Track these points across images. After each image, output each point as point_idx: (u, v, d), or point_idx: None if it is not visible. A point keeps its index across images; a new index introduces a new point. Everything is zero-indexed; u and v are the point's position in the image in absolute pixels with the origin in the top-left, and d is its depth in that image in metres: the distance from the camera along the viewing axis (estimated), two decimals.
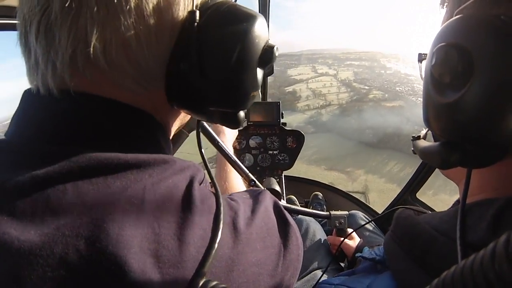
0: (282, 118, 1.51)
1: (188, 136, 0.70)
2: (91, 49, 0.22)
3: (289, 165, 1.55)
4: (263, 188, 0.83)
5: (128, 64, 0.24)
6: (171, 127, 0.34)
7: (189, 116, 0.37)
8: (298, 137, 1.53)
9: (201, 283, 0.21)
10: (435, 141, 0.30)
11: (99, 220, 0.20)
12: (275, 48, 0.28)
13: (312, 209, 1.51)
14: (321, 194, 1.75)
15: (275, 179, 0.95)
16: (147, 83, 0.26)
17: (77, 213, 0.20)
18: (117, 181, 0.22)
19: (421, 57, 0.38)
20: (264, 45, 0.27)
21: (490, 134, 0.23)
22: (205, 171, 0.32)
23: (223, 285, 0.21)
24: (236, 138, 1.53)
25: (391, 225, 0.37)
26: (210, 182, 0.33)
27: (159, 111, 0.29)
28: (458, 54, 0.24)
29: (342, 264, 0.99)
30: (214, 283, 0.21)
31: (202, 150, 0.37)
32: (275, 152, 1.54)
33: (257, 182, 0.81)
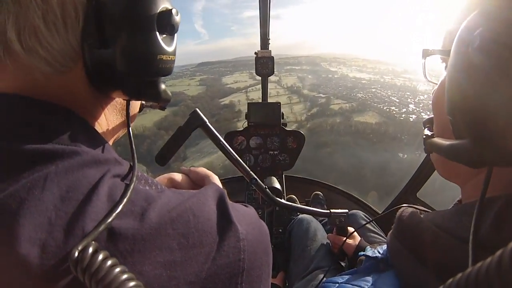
0: (283, 118, 1.52)
1: (190, 135, 0.70)
2: (8, 37, 0.25)
3: (290, 165, 1.55)
4: (264, 186, 0.83)
5: (40, 48, 0.26)
6: (100, 116, 0.34)
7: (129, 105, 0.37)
8: (298, 138, 1.54)
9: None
10: (456, 137, 0.27)
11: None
12: (173, 10, 0.30)
13: None
14: (322, 194, 1.76)
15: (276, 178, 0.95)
16: (59, 65, 0.28)
17: None
18: (18, 171, 0.23)
19: (427, 53, 0.35)
20: (159, 10, 0.29)
21: None
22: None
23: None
24: (237, 139, 1.54)
25: (394, 224, 0.38)
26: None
27: (79, 99, 0.31)
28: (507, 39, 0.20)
29: (343, 264, 0.99)
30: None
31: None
32: (275, 152, 1.54)
33: (258, 180, 0.81)
